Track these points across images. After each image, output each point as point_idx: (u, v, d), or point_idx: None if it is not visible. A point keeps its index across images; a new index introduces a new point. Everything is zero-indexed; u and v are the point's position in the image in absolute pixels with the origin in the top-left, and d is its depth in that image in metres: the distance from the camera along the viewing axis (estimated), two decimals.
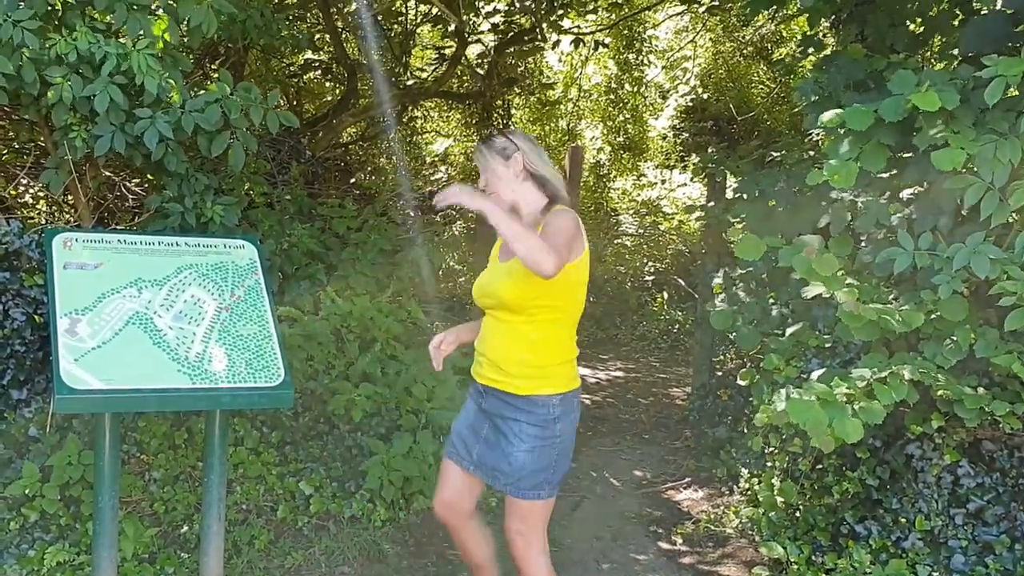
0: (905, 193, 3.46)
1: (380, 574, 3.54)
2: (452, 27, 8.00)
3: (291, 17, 6.44)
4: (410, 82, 8.81)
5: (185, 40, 3.76)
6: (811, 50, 4.70)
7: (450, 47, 8.74)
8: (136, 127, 3.28)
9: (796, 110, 9.61)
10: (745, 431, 4.76)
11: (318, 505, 3.83)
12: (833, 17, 4.59)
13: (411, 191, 7.76)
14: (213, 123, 3.44)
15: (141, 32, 3.30)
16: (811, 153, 5.00)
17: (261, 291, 3.10)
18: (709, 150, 6.65)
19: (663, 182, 12.67)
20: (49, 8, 3.22)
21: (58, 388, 2.52)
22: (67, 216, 4.97)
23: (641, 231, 11.49)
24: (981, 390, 2.91)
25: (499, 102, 9.48)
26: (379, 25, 8.10)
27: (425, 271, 5.22)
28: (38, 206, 5.37)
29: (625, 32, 10.50)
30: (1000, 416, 2.85)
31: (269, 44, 5.40)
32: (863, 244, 3.53)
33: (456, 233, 7.95)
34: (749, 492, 4.33)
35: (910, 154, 3.43)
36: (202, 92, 3.56)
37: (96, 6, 3.28)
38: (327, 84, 9.46)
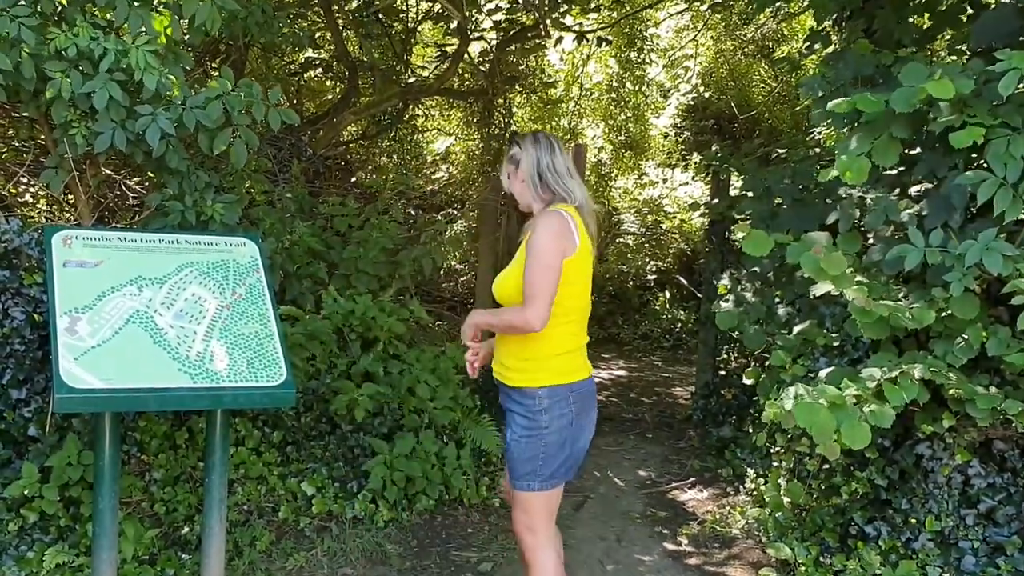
0: (913, 189, 3.42)
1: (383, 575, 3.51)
2: (454, 24, 7.95)
3: (292, 15, 6.39)
4: (411, 80, 8.77)
5: (187, 37, 3.72)
6: (817, 45, 4.66)
7: (452, 45, 8.70)
8: (138, 124, 3.24)
9: (798, 108, 9.59)
10: (750, 430, 4.72)
11: (320, 506, 3.80)
12: (840, 13, 4.55)
13: (413, 189, 7.71)
14: (215, 120, 3.41)
15: (142, 28, 3.27)
16: (816, 150, 4.96)
17: (263, 289, 3.06)
18: (713, 147, 6.61)
19: (665, 181, 12.63)
20: (51, 5, 3.19)
21: (58, 387, 2.49)
22: (67, 215, 4.93)
23: (643, 230, 11.46)
24: (993, 389, 2.87)
25: (500, 100, 9.43)
26: (380, 22, 8.06)
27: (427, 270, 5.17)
28: (38, 205, 5.34)
29: (626, 31, 10.46)
30: (1013, 415, 2.81)
31: (270, 42, 5.36)
32: (870, 241, 3.49)
33: (457, 232, 7.91)
34: (755, 492, 4.30)
35: (919, 150, 3.39)
36: (203, 89, 3.53)
37: (96, 2, 3.25)
38: (328, 82, 9.41)
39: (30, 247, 3.32)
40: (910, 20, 4.16)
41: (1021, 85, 2.76)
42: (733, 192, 5.91)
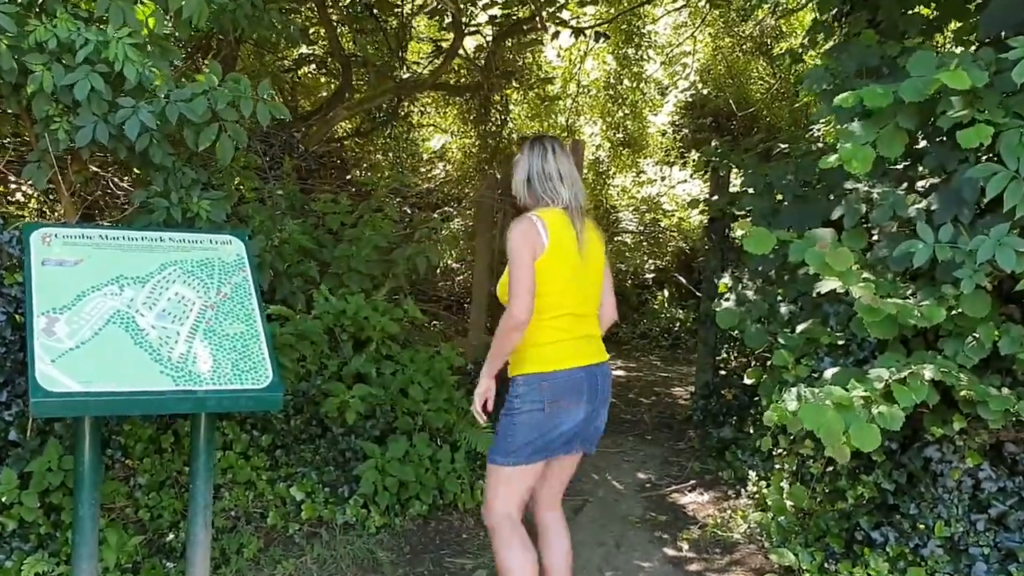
0: (920, 185, 3.32)
1: None
2: (449, 19, 7.86)
3: (284, 9, 6.28)
4: (406, 75, 8.67)
5: (176, 33, 3.62)
6: (820, 37, 4.56)
7: (447, 40, 8.59)
8: (117, 116, 3.14)
9: (796, 105, 9.51)
10: (751, 431, 4.63)
11: (310, 511, 3.71)
12: (842, 5, 4.45)
13: (408, 187, 7.62)
14: (200, 115, 3.32)
15: (123, 21, 3.17)
16: (818, 145, 4.87)
17: (249, 288, 2.97)
18: (712, 143, 6.52)
19: (663, 179, 12.55)
20: None
21: (33, 391, 2.40)
22: (58, 213, 4.83)
23: (641, 228, 11.39)
24: (1005, 390, 2.78)
25: (497, 97, 9.33)
26: (374, 17, 7.96)
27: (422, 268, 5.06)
28: (31, 204, 5.24)
29: (624, 27, 10.36)
30: None
31: (262, 37, 5.26)
32: (875, 237, 3.40)
33: (454, 230, 7.80)
34: (757, 495, 4.20)
35: (926, 143, 3.30)
36: (190, 84, 3.43)
37: None
38: (322, 79, 9.31)
39: (11, 245, 3.22)
40: (915, 10, 4.06)
41: None
42: (733, 189, 5.83)
